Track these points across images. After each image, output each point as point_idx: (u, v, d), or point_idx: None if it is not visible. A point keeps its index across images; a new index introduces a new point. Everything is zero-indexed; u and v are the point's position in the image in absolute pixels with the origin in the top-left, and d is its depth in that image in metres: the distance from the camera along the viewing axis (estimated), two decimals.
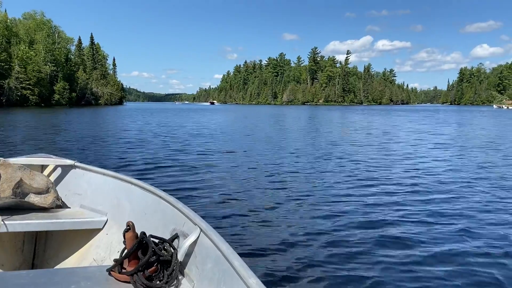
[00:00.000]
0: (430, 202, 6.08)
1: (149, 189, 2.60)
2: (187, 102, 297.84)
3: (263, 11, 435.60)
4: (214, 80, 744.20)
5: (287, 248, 4.09)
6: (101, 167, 3.16)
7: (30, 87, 69.73)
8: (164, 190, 2.54)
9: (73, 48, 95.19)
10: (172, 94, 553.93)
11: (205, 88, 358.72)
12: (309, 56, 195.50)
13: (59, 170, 3.30)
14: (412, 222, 5.08)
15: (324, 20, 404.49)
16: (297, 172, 8.53)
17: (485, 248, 4.19)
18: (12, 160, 3.04)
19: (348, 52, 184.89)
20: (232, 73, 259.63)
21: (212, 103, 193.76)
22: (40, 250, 2.96)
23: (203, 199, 6.07)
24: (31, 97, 70.10)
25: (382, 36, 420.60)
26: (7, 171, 2.70)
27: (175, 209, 2.30)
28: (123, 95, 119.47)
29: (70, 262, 2.77)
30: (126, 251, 1.97)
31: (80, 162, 3.24)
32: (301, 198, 6.24)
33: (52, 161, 3.29)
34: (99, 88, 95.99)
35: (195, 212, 2.16)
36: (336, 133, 20.21)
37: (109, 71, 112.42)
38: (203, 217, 2.12)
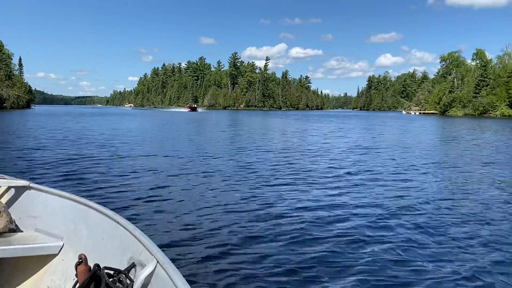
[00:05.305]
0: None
1: (107, 214, 2.53)
2: (99, 105, 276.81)
3: (179, 13, 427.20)
4: (128, 82, 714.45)
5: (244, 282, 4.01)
6: (58, 189, 3.05)
7: None
8: (124, 217, 2.49)
9: None
10: (83, 97, 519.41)
11: (120, 91, 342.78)
12: (229, 61, 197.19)
13: (12, 191, 3.16)
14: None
15: (241, 26, 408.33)
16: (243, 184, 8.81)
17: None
18: None
19: (267, 59, 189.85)
20: (149, 76, 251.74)
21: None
22: None
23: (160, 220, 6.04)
24: None
25: (296, 44, 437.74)
26: None
27: (133, 237, 2.25)
28: (31, 98, 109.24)
29: None
30: (77, 285, 1.90)
31: (36, 183, 3.11)
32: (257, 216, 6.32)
33: (5, 182, 3.14)
34: (4, 90, 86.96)
35: (152, 241, 2.14)
36: (288, 141, 20.67)
37: (14, 72, 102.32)
38: (159, 246, 2.10)
